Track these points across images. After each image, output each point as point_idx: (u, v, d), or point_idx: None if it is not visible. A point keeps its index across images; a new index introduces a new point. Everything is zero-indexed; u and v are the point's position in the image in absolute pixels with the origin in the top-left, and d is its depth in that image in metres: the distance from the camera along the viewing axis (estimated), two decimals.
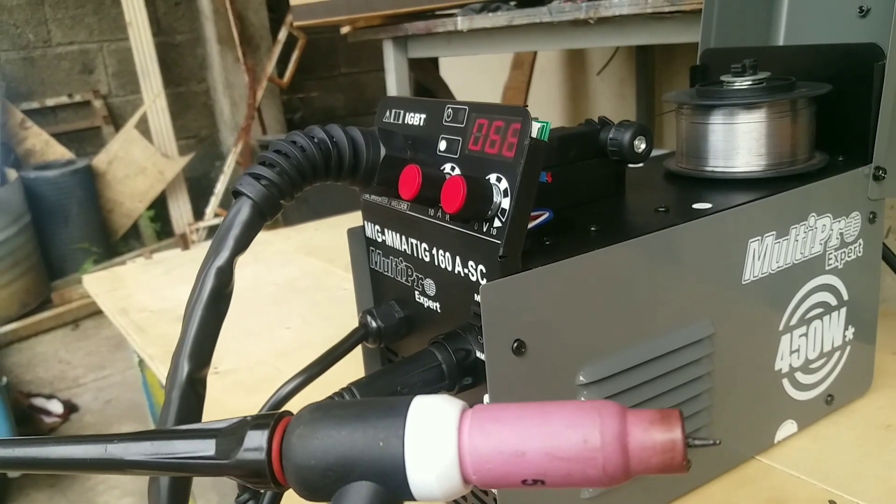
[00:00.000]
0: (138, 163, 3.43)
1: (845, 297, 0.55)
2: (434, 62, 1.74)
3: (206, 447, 0.24)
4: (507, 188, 0.39)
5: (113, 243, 3.46)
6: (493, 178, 0.39)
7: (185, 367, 0.38)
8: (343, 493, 0.22)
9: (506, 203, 0.39)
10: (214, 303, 0.39)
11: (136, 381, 2.38)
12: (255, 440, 0.23)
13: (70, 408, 2.27)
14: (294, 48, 3.46)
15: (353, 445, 0.22)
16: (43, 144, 3.31)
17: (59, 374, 2.51)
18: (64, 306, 2.97)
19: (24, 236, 2.92)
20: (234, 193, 0.41)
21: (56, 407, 2.24)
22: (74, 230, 3.22)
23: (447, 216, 0.43)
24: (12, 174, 3.01)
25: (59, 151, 3.34)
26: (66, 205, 3.18)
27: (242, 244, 0.40)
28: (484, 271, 0.40)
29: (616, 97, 1.93)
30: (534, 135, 0.38)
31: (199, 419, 0.39)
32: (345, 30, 1.54)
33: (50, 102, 3.39)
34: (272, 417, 0.24)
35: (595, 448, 0.20)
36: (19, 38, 3.31)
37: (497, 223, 0.39)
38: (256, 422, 0.24)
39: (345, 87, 4.17)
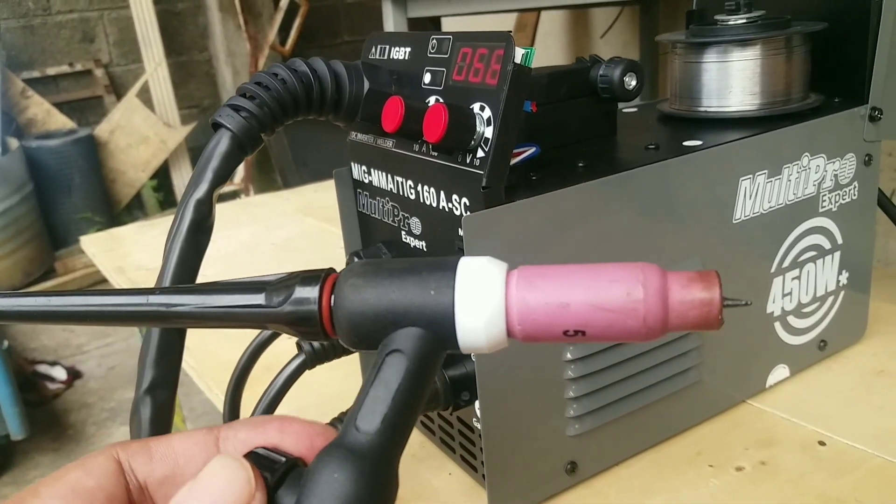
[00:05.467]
0: (140, 132, 3.42)
1: (839, 240, 0.54)
2: (435, 23, 1.72)
3: (255, 298, 0.25)
4: (490, 117, 0.38)
5: (116, 213, 3.46)
6: (476, 107, 0.39)
7: None
8: (393, 338, 0.23)
9: (489, 132, 0.38)
10: (194, 235, 0.39)
11: (138, 349, 2.39)
12: (306, 291, 0.24)
13: (74, 374, 2.28)
14: (296, 15, 3.43)
15: (406, 294, 0.23)
16: (44, 114, 3.30)
17: (63, 342, 2.52)
18: (67, 275, 2.98)
19: (27, 205, 2.92)
20: (213, 125, 0.40)
21: (60, 373, 2.25)
22: (77, 200, 3.22)
23: (431, 149, 0.42)
24: (14, 143, 3.00)
25: (61, 121, 3.33)
26: (69, 174, 3.17)
27: (222, 176, 0.40)
28: (468, 204, 0.40)
29: None
30: (517, 60, 0.37)
31: (180, 351, 0.39)
32: None
33: (51, 71, 3.37)
34: (321, 272, 0.25)
35: (637, 300, 0.21)
36: (19, 7, 3.29)
37: (480, 153, 0.38)
38: (305, 275, 0.25)
39: (347, 55, 4.11)
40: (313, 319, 0.24)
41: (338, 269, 0.25)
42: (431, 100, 0.42)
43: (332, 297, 0.24)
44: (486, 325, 0.22)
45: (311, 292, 0.24)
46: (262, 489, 0.22)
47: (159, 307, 0.25)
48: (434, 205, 0.43)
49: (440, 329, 0.23)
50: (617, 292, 0.21)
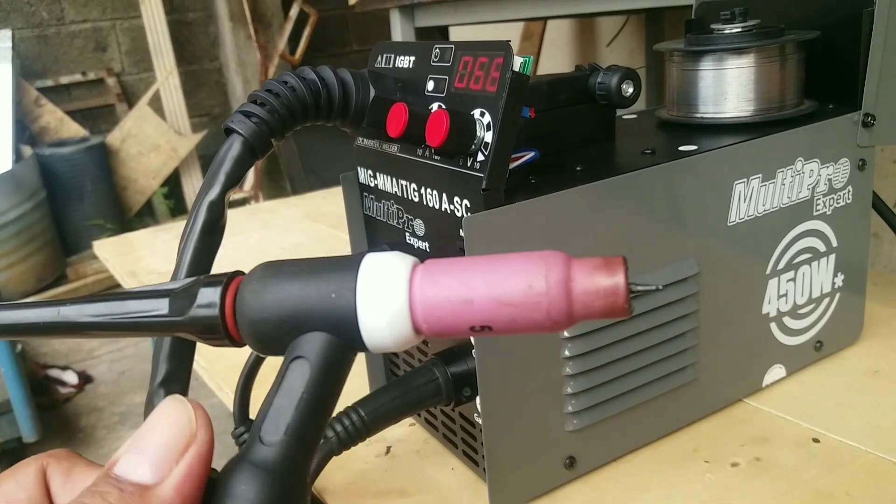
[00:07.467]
0: (152, 140, 3.45)
1: (834, 243, 0.55)
2: (443, 33, 1.74)
3: (160, 306, 0.24)
4: (489, 122, 0.40)
5: (127, 220, 3.49)
6: (476, 113, 0.40)
7: None
8: (297, 344, 0.22)
9: (489, 137, 0.40)
10: (207, 235, 0.40)
11: (148, 353, 2.41)
12: (208, 297, 0.23)
13: (85, 379, 2.30)
14: (305, 25, 3.47)
15: (306, 298, 0.22)
16: (57, 122, 3.34)
17: (75, 347, 2.54)
18: (78, 281, 3.01)
19: (40, 212, 2.96)
20: (225, 130, 0.42)
21: (71, 378, 2.28)
22: (89, 207, 3.26)
23: (434, 153, 0.44)
24: (27, 151, 3.04)
25: (74, 129, 3.37)
26: (81, 181, 3.21)
27: (234, 179, 0.41)
28: (469, 206, 0.41)
29: None
30: (516, 68, 0.39)
31: (193, 347, 0.40)
32: (352, 0, 1.55)
33: (64, 80, 3.41)
34: (225, 276, 0.24)
35: (540, 293, 0.20)
36: (33, 16, 3.33)
37: (480, 157, 0.40)
38: (209, 280, 0.24)
39: (356, 64, 4.13)
40: (216, 327, 0.23)
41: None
42: (434, 106, 0.44)
43: (235, 301, 0.23)
44: (389, 325, 0.21)
45: (213, 297, 0.23)
46: (205, 428, 0.22)
47: (69, 319, 0.24)
48: (437, 207, 0.44)
49: (345, 332, 0.22)
50: (519, 286, 0.21)
